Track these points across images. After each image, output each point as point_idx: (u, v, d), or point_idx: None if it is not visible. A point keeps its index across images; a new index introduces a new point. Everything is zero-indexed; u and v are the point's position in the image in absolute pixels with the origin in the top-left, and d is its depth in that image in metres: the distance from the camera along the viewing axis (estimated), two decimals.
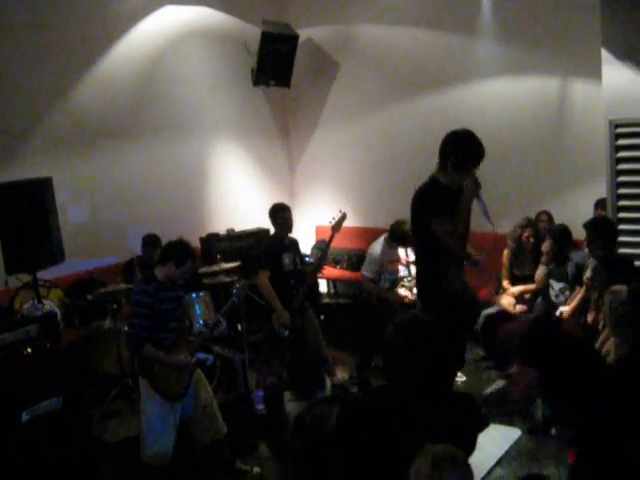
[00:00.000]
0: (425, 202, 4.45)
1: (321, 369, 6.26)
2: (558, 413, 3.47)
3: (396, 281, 6.41)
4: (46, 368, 4.81)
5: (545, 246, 6.23)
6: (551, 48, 6.92)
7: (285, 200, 6.90)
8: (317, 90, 9.48)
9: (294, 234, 6.36)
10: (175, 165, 8.37)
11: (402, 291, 6.41)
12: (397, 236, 6.35)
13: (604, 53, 5.89)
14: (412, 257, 6.50)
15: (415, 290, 6.25)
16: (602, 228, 5.38)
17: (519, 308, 6.37)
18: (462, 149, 4.40)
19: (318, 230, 9.45)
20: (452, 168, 4.38)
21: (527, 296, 6.44)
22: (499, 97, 7.48)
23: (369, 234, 7.96)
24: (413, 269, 6.44)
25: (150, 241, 6.86)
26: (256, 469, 4.99)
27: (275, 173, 9.71)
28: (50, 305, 6.16)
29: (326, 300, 8.86)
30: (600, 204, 6.32)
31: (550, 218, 6.68)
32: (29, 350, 4.73)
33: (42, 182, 5.72)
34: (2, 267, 5.43)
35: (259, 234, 8.25)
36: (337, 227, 6.17)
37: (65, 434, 4.85)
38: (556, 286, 6.07)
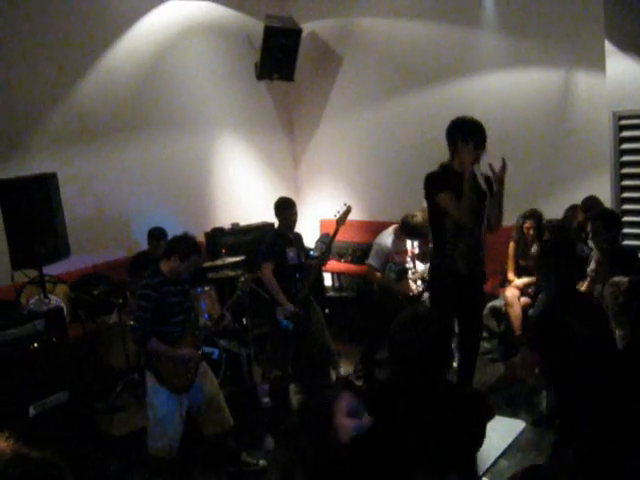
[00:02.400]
0: (430, 179, 4.79)
1: (326, 362, 6.27)
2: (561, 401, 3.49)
3: (403, 272, 6.39)
4: (53, 362, 4.85)
5: (533, 250, 6.26)
6: (554, 40, 6.90)
7: (289, 194, 6.91)
8: (321, 84, 9.48)
9: (298, 228, 6.37)
10: (179, 160, 8.38)
11: (409, 283, 6.38)
12: (408, 230, 6.31)
13: (608, 45, 5.89)
14: (417, 249, 6.49)
15: (419, 282, 6.29)
16: (607, 220, 5.38)
17: (523, 300, 6.39)
18: (454, 131, 4.78)
19: (322, 224, 9.47)
20: (455, 153, 4.75)
21: (530, 290, 6.45)
22: (502, 89, 7.47)
23: (373, 227, 7.96)
24: (417, 262, 6.44)
25: (156, 234, 6.88)
26: (262, 462, 5.01)
27: (279, 167, 9.72)
28: (56, 300, 6.19)
29: (331, 294, 8.88)
30: (575, 208, 6.35)
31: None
32: (36, 345, 4.76)
33: (47, 177, 5.74)
34: (8, 262, 5.46)
35: (264, 228, 8.25)
36: (342, 220, 6.17)
37: (72, 428, 4.89)
38: None
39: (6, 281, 5.73)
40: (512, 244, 6.66)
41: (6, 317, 4.94)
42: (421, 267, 6.40)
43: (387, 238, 6.42)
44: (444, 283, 4.89)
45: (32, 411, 4.58)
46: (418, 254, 6.49)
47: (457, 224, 4.66)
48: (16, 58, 6.78)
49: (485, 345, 6.88)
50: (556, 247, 4.47)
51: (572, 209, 6.49)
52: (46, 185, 5.67)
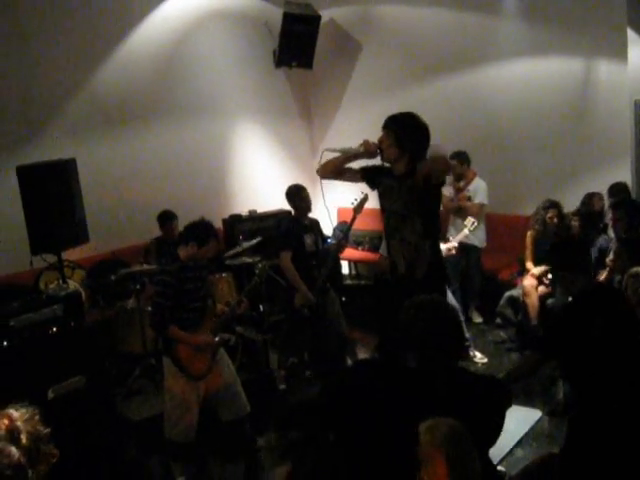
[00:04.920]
0: None
1: (342, 349, 6.27)
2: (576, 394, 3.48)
3: None
4: (71, 347, 4.87)
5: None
6: (575, 28, 6.84)
7: (307, 182, 6.89)
8: (339, 71, 9.46)
9: (315, 215, 6.37)
10: (197, 147, 8.40)
11: None
12: None
13: (630, 33, 5.83)
14: None
15: None
16: (628, 209, 5.34)
17: (541, 290, 6.35)
18: None
19: (340, 212, 9.45)
20: None
21: (545, 280, 6.39)
22: (522, 77, 7.42)
23: None
24: None
25: (166, 217, 6.89)
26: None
27: (297, 154, 9.71)
28: (74, 285, 6.22)
29: (347, 281, 8.88)
30: (592, 197, 6.36)
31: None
32: (54, 329, 4.79)
33: (66, 163, 5.75)
34: (27, 247, 5.49)
35: (281, 215, 8.26)
36: (359, 209, 6.16)
37: (90, 412, 4.92)
38: None
39: (25, 266, 5.77)
40: (530, 232, 6.62)
41: (25, 301, 4.97)
42: None
43: None
44: (389, 284, 4.78)
45: (50, 394, 4.61)
46: None
47: (389, 217, 4.63)
48: (36, 45, 6.82)
49: (502, 334, 6.88)
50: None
51: (590, 197, 6.46)
52: (65, 171, 5.68)
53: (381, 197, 4.72)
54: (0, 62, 6.58)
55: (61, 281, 5.77)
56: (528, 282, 6.38)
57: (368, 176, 4.76)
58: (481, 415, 2.67)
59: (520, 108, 7.45)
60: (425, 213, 4.49)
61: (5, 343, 4.54)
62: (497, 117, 7.68)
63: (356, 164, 4.74)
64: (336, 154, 4.69)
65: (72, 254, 6.28)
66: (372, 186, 4.80)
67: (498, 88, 7.62)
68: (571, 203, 6.51)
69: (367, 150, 4.54)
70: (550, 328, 4.01)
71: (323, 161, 4.68)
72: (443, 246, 6.32)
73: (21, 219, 5.42)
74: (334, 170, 4.73)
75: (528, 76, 7.36)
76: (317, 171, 4.84)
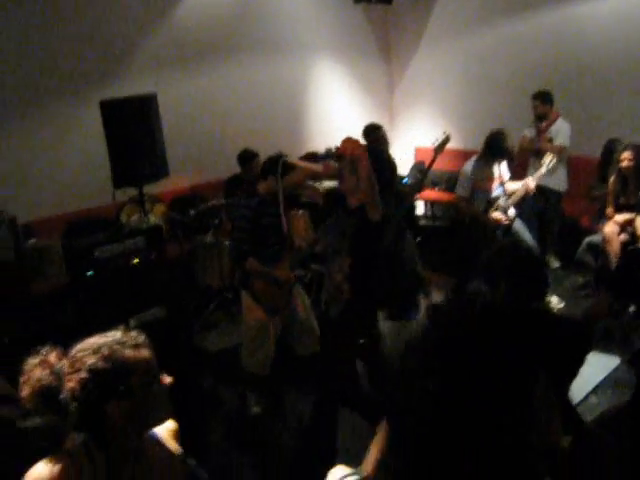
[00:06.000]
0: None
1: (416, 290, 6.26)
2: None
3: (491, 201, 6.24)
4: (151, 278, 5.02)
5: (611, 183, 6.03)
6: None
7: (384, 121, 6.85)
8: (420, 7, 9.21)
9: (393, 154, 6.31)
10: (275, 83, 8.38)
11: (496, 214, 6.22)
12: (490, 144, 6.11)
13: None
14: (506, 176, 6.31)
15: (512, 210, 6.11)
16: None
17: (623, 237, 6.17)
18: None
19: (417, 151, 9.35)
20: None
21: (628, 228, 6.19)
22: (613, 13, 7.07)
23: (469, 156, 7.80)
24: (507, 187, 6.26)
25: (247, 157, 6.93)
26: None
27: (374, 93, 9.60)
28: (155, 219, 6.36)
29: (423, 222, 8.82)
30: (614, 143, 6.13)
31: None
32: (137, 260, 4.94)
33: (147, 98, 5.82)
34: (110, 181, 5.62)
35: None
36: (440, 149, 6.03)
37: (168, 342, 5.08)
38: None
39: (108, 199, 5.91)
40: (612, 178, 6.39)
41: (109, 233, 5.12)
42: (513, 187, 6.21)
43: (469, 164, 6.28)
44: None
45: (132, 323, 4.78)
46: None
47: (327, 249, 4.47)
48: None
49: (579, 280, 6.75)
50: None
51: (612, 143, 6.22)
52: (147, 106, 5.75)
53: (329, 228, 4.53)
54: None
55: (142, 214, 5.90)
56: (609, 229, 6.19)
57: (328, 202, 4.62)
58: (562, 356, 2.64)
59: (611, 45, 7.13)
60: (356, 254, 4.25)
61: (90, 273, 4.71)
62: (587, 55, 7.37)
63: None
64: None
65: (152, 188, 6.40)
66: (328, 214, 4.61)
67: (588, 24, 7.30)
68: None
69: (326, 173, 4.52)
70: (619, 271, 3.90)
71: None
72: (518, 184, 6.20)
73: (104, 153, 5.53)
74: (295, 183, 4.66)
75: (620, 11, 7.02)
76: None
